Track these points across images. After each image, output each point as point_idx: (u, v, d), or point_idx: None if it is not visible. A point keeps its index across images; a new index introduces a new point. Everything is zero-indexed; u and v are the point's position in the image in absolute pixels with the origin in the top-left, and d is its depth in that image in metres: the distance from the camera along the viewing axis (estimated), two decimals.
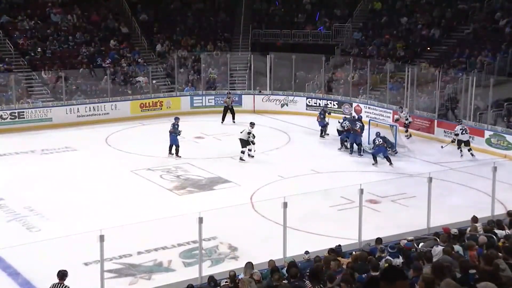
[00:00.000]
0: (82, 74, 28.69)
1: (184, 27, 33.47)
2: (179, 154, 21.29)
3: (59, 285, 10.49)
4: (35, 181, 18.69)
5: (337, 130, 22.83)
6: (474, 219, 12.54)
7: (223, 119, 26.86)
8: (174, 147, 21.39)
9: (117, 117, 27.12)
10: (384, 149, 20.55)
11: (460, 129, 21.28)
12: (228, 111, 26.99)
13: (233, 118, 26.88)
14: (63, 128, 25.34)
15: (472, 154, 21.08)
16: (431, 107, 25.05)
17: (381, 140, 20.59)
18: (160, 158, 21.08)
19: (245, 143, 20.95)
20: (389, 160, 20.44)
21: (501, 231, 11.55)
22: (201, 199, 17.19)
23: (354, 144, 21.82)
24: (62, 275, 10.58)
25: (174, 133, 21.39)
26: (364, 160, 21.14)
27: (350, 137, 22.00)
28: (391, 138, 21.98)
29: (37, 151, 22.18)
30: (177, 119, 21.96)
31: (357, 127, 21.82)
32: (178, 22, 33.74)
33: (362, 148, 21.71)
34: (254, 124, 21.48)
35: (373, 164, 20.40)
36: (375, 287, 4.53)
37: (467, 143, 21.24)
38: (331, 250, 11.33)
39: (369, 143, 21.68)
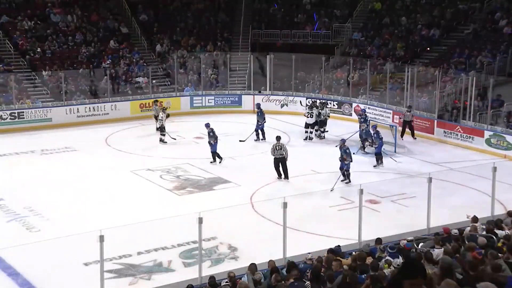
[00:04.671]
0: (82, 74, 28.69)
1: (184, 27, 33.47)
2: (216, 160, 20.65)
3: (277, 144, 17.11)
4: (35, 181, 18.69)
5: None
6: (474, 219, 12.52)
7: (402, 135, 23.76)
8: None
9: (117, 117, 27.11)
10: (382, 144, 20.47)
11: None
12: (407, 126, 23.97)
13: (413, 135, 23.88)
14: (63, 128, 25.34)
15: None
16: (431, 108, 25.05)
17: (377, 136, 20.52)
18: (159, 158, 21.07)
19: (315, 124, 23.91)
20: (380, 159, 20.34)
21: (501, 231, 11.54)
22: (201, 199, 17.18)
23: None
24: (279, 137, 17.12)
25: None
26: (364, 160, 21.12)
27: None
28: (391, 138, 21.99)
29: (37, 151, 22.17)
30: (207, 125, 21.03)
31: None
32: (178, 22, 33.74)
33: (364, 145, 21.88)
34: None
35: (374, 166, 20.33)
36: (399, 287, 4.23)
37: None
38: (330, 250, 11.30)
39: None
